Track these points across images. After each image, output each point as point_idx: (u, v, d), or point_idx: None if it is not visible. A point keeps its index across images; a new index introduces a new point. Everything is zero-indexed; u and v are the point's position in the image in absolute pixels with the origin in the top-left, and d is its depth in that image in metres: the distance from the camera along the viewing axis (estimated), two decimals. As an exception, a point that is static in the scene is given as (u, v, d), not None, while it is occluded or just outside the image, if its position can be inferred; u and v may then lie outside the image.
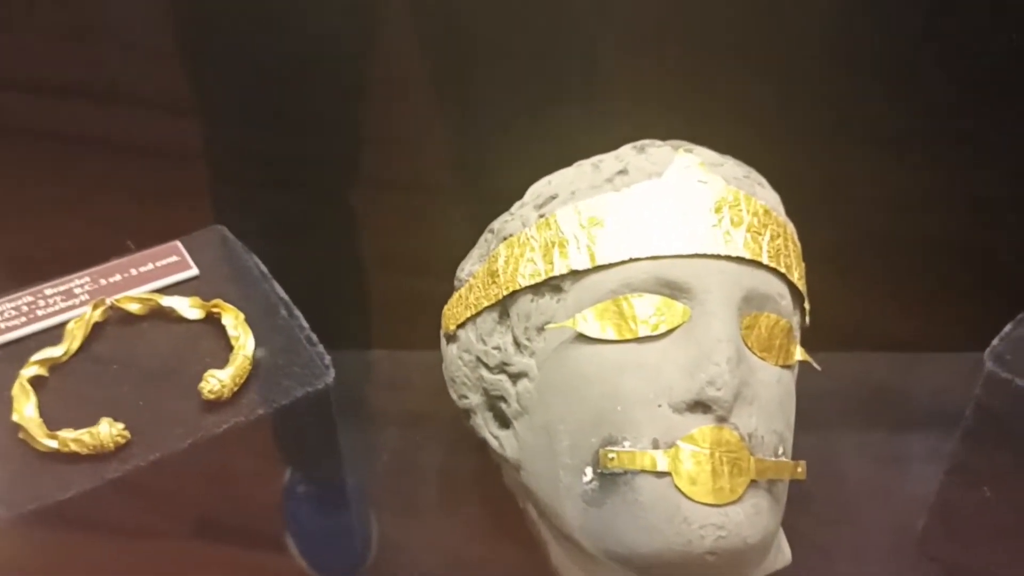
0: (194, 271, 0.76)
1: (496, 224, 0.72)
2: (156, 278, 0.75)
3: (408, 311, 0.87)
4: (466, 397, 0.73)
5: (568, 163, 0.70)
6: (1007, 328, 0.72)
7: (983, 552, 0.75)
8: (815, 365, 0.68)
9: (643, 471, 0.61)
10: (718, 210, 0.65)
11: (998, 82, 0.86)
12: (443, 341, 0.75)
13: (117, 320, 0.72)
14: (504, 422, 0.70)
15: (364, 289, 0.99)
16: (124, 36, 0.88)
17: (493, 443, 0.71)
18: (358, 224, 0.97)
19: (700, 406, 0.61)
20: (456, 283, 0.74)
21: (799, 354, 0.68)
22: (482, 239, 0.73)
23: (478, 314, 0.70)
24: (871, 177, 0.90)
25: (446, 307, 0.74)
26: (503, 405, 0.70)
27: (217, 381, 0.66)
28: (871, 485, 0.83)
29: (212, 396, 0.66)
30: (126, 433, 0.64)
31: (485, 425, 0.72)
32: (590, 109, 0.88)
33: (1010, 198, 0.90)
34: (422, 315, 0.77)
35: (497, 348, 0.69)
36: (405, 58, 0.88)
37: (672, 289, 0.63)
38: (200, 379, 0.67)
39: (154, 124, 0.91)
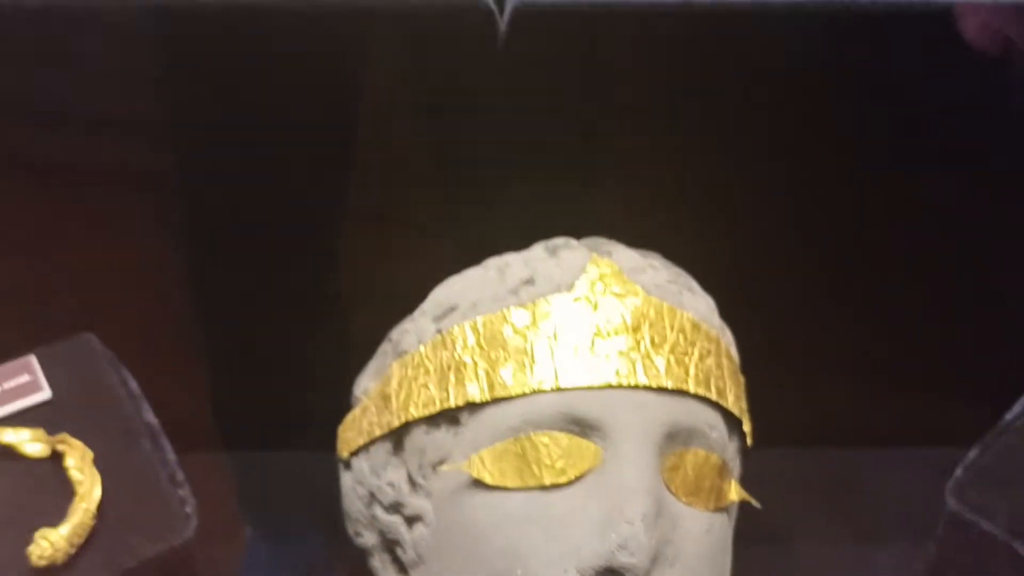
0: (46, 394, 0.67)
1: (395, 333, 0.64)
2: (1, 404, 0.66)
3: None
4: (361, 535, 0.65)
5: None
6: (972, 454, 0.62)
7: None
8: (754, 503, 0.61)
9: None
10: (635, 329, 0.58)
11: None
12: (340, 467, 0.67)
13: (-60, 459, 0.63)
14: (404, 569, 0.62)
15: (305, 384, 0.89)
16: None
17: None
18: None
19: (611, 574, 0.53)
20: (352, 400, 0.67)
21: (735, 493, 0.60)
22: (380, 349, 0.66)
23: (371, 443, 0.63)
24: (835, 268, 0.86)
25: (341, 428, 0.67)
26: (399, 551, 0.62)
27: (48, 544, 0.56)
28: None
29: (43, 563, 0.56)
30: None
31: (383, 569, 0.64)
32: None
33: (990, 289, 0.85)
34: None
35: (391, 484, 0.61)
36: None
37: (582, 427, 0.56)
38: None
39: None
